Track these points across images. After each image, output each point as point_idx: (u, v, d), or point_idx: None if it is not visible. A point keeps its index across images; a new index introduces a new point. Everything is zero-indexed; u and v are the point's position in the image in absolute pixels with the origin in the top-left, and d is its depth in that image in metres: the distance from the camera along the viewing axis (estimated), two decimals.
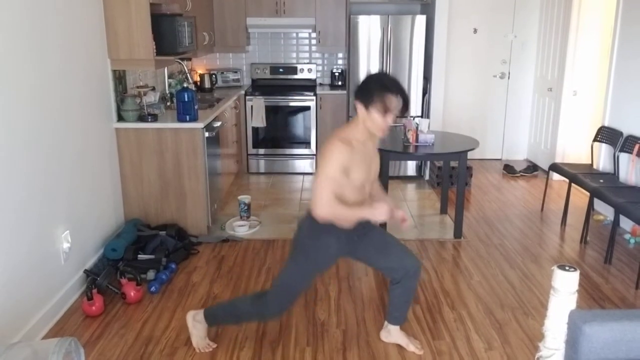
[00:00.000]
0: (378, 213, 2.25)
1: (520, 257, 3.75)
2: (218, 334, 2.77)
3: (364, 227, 2.48)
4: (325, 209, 2.21)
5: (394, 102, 2.21)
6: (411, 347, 2.64)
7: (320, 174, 2.21)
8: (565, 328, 1.68)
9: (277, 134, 5.75)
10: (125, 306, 3.05)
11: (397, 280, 2.55)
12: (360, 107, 2.24)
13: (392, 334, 2.69)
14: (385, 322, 2.72)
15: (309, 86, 5.90)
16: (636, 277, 3.40)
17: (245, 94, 5.61)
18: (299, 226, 2.47)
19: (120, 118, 3.80)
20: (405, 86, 5.40)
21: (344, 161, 2.19)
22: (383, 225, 4.06)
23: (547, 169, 5.07)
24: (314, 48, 6.10)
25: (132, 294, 3.06)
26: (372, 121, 2.23)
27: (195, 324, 2.62)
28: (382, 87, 2.20)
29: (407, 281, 2.54)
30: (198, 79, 5.67)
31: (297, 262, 2.45)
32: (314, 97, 5.61)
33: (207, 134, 3.91)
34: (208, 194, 4.00)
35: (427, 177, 5.68)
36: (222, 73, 5.93)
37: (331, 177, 2.19)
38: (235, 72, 5.97)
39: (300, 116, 5.69)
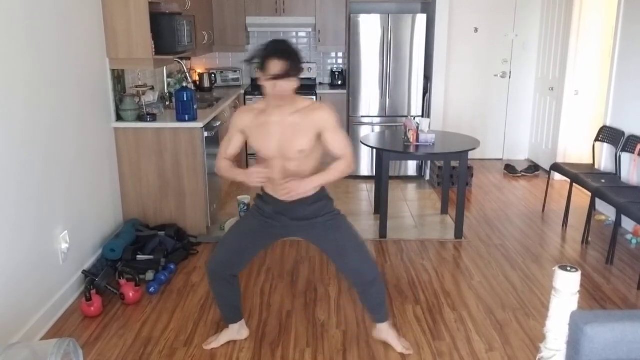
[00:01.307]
0: (250, 175, 2.26)
1: (521, 257, 3.74)
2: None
3: (321, 214, 2.39)
4: (216, 166, 2.45)
5: (272, 65, 2.13)
6: (399, 347, 2.63)
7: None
8: (567, 329, 1.67)
9: None
10: (124, 307, 3.04)
11: (354, 284, 2.54)
12: (258, 75, 2.22)
13: (381, 330, 2.67)
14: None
15: (308, 85, 5.88)
16: (638, 278, 3.39)
17: (245, 94, 5.60)
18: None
19: (119, 118, 3.78)
20: (406, 86, 5.45)
21: (238, 125, 2.36)
22: (383, 225, 4.04)
23: (548, 169, 5.05)
24: (314, 47, 6.09)
25: (130, 294, 3.05)
26: (266, 87, 2.19)
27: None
28: (266, 52, 2.16)
29: (367, 289, 2.50)
30: (197, 78, 5.66)
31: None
32: (314, 97, 5.60)
33: (206, 134, 3.90)
34: (207, 194, 3.99)
35: (427, 177, 5.67)
36: (222, 72, 5.92)
37: (226, 138, 2.41)
38: (235, 71, 5.96)
39: None
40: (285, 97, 2.22)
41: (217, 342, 2.66)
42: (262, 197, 2.46)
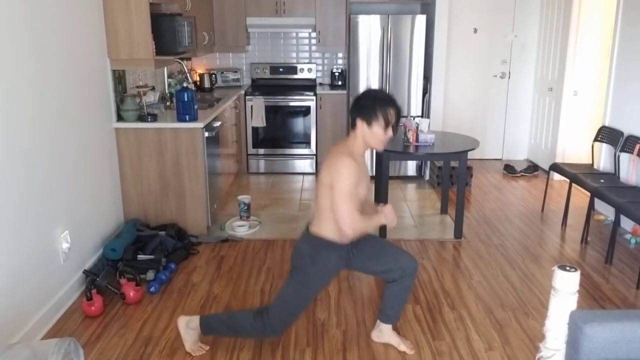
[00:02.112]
0: (389, 215, 2.41)
1: (520, 257, 3.75)
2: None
3: (359, 239, 2.50)
4: (352, 225, 2.28)
5: (393, 115, 2.31)
6: (402, 346, 2.64)
7: (338, 192, 2.25)
8: (566, 328, 1.68)
9: (277, 134, 5.75)
10: (125, 306, 3.05)
11: (397, 278, 2.55)
12: (361, 124, 2.32)
13: (384, 333, 2.69)
14: (378, 322, 2.71)
15: (309, 86, 5.89)
16: (637, 277, 3.40)
17: (245, 94, 5.60)
18: (298, 246, 2.50)
19: (120, 118, 3.79)
20: (405, 86, 5.45)
21: (354, 176, 2.27)
22: (383, 226, 4.06)
23: (547, 169, 5.06)
24: (313, 48, 6.10)
25: (131, 294, 3.06)
26: (373, 136, 2.32)
27: (188, 331, 2.59)
28: (382, 102, 2.30)
29: (404, 280, 2.55)
30: (198, 78, 5.67)
31: (299, 281, 2.46)
32: (314, 97, 5.61)
33: (206, 134, 3.91)
34: (208, 194, 4.00)
35: (427, 177, 5.68)
36: (222, 73, 5.93)
37: (348, 192, 2.25)
38: (235, 71, 5.97)
39: (300, 116, 5.69)
40: None
41: (201, 344, 2.64)
42: (331, 248, 2.41)
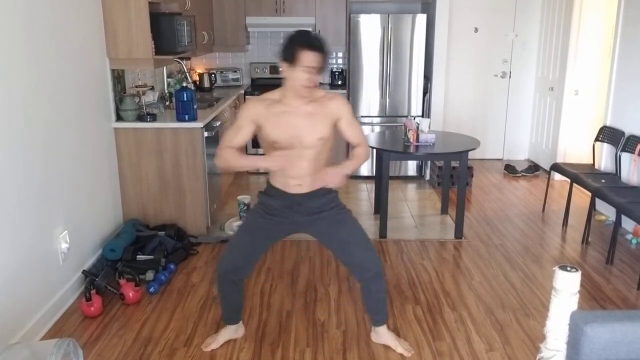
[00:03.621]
0: (270, 161, 2.28)
1: (521, 257, 3.74)
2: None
3: (327, 208, 2.42)
4: (218, 155, 2.31)
5: (310, 57, 2.16)
6: (399, 349, 2.62)
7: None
8: (567, 329, 1.67)
9: None
10: (124, 307, 3.04)
11: (359, 281, 2.54)
12: (283, 67, 2.22)
13: (380, 334, 2.68)
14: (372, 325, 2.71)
15: None
16: (638, 278, 3.39)
17: (245, 94, 5.59)
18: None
19: (119, 118, 3.78)
20: (406, 86, 5.44)
21: (251, 116, 2.29)
22: (383, 225, 4.04)
23: (548, 169, 5.05)
24: None
25: (130, 294, 3.05)
26: (294, 79, 2.20)
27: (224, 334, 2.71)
28: (299, 43, 2.16)
29: (369, 284, 2.51)
30: (197, 78, 5.66)
31: (242, 222, 2.55)
32: None
33: (206, 134, 3.90)
34: (207, 194, 3.99)
35: (427, 177, 5.67)
36: (222, 72, 5.92)
37: (233, 127, 2.32)
38: (235, 71, 5.96)
39: None
40: (312, 88, 2.26)
41: (216, 342, 2.66)
42: (268, 193, 2.44)
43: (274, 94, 2.34)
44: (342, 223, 2.46)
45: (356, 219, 2.53)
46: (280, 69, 2.26)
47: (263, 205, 2.46)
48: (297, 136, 2.28)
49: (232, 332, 2.70)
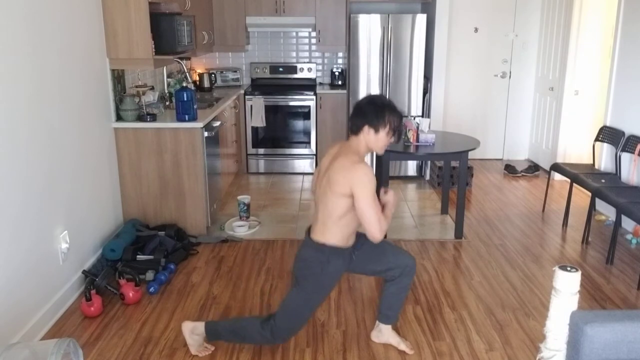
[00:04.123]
0: (393, 200, 2.47)
1: (521, 257, 3.74)
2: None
3: (359, 240, 2.52)
4: (382, 227, 2.30)
5: (398, 123, 2.39)
6: (402, 346, 2.63)
7: (365, 199, 2.25)
8: (567, 329, 1.67)
9: (277, 134, 5.74)
10: (124, 307, 3.04)
11: (397, 275, 2.56)
12: (368, 130, 2.35)
13: (383, 333, 2.69)
14: (377, 322, 2.71)
15: (308, 85, 5.88)
16: (638, 278, 3.39)
17: (245, 94, 5.59)
18: (304, 256, 2.46)
19: (119, 118, 3.78)
20: (406, 86, 5.45)
21: (374, 181, 2.30)
22: None
23: (548, 169, 5.05)
24: (313, 47, 6.09)
25: (130, 294, 3.05)
26: (378, 141, 2.37)
27: (193, 336, 2.58)
28: (390, 110, 2.35)
29: (402, 279, 2.56)
30: (197, 78, 5.66)
31: (309, 290, 2.46)
32: (314, 97, 5.60)
33: (206, 134, 3.90)
34: (207, 194, 3.99)
35: (427, 177, 5.67)
36: (222, 72, 5.92)
37: (373, 197, 2.28)
38: (235, 71, 5.96)
39: (300, 116, 5.68)
40: None
41: (203, 348, 2.62)
42: (334, 255, 2.41)
43: (361, 154, 2.40)
44: (366, 239, 2.48)
45: None
46: (364, 131, 2.36)
47: (333, 271, 2.44)
48: None
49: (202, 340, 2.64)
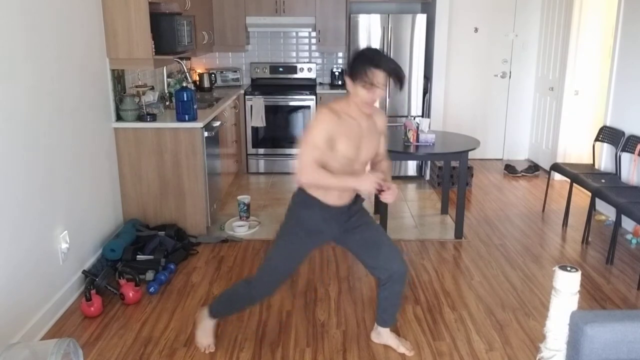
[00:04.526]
0: (364, 182, 2.20)
1: (521, 257, 3.74)
2: (217, 335, 2.76)
3: (355, 214, 2.43)
4: (307, 174, 2.17)
5: (379, 76, 2.14)
6: (401, 348, 2.62)
7: (303, 141, 2.19)
8: (567, 329, 1.67)
9: (277, 134, 5.74)
10: (124, 307, 3.04)
11: (382, 281, 2.52)
12: (348, 82, 2.21)
13: (382, 335, 2.68)
14: (375, 324, 2.71)
15: (308, 85, 5.88)
16: (638, 278, 3.39)
17: (245, 94, 5.59)
18: (289, 204, 2.44)
19: (119, 118, 3.78)
20: (406, 85, 5.44)
21: (328, 130, 2.17)
22: (383, 225, 4.05)
23: (548, 169, 5.05)
24: (313, 47, 6.09)
25: (130, 294, 3.05)
26: (357, 95, 2.18)
27: (204, 324, 2.63)
28: (369, 61, 2.14)
29: (392, 285, 2.50)
30: (197, 78, 5.66)
31: (281, 239, 2.43)
32: (314, 97, 5.60)
33: (206, 134, 3.90)
34: (207, 194, 3.99)
35: (427, 177, 5.67)
36: (222, 72, 5.92)
37: (313, 143, 2.16)
38: (235, 71, 5.96)
39: (300, 116, 5.68)
40: (372, 105, 2.26)
41: (212, 341, 2.64)
42: (306, 205, 2.35)
43: (341, 105, 2.25)
44: (369, 224, 2.47)
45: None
46: (347, 84, 2.22)
47: (300, 222, 2.37)
48: (359, 152, 2.28)
49: (214, 322, 2.65)
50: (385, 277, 2.48)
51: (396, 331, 2.78)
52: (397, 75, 2.16)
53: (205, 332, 2.63)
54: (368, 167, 2.46)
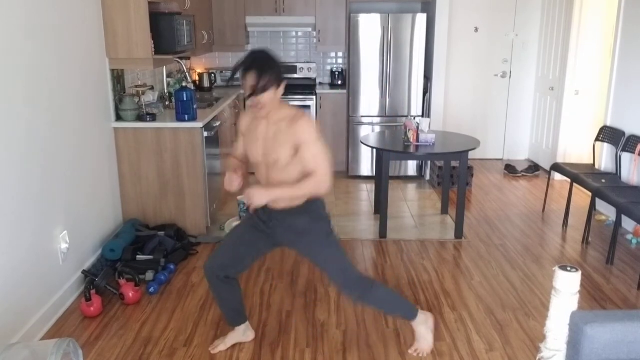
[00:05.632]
0: (226, 181, 2.34)
1: (521, 257, 3.73)
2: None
3: (283, 227, 2.37)
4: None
5: (248, 79, 2.12)
6: (412, 349, 2.63)
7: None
8: (567, 329, 1.67)
9: None
10: (124, 307, 3.04)
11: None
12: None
13: (416, 324, 2.61)
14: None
15: (308, 85, 5.88)
16: (638, 278, 3.38)
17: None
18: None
19: (119, 117, 3.78)
20: (406, 85, 5.44)
21: (240, 126, 2.42)
22: (383, 225, 4.04)
23: (548, 169, 5.05)
24: (313, 47, 6.09)
25: (130, 294, 3.05)
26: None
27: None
28: (239, 65, 2.15)
29: (359, 300, 2.46)
30: (197, 78, 5.66)
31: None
32: (314, 97, 5.59)
33: (206, 134, 3.90)
34: (207, 194, 3.99)
35: (427, 177, 5.67)
36: (221, 72, 5.92)
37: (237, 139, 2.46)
38: None
39: None
40: (265, 108, 2.18)
41: (224, 344, 2.65)
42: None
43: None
44: (316, 252, 2.39)
45: (335, 241, 2.40)
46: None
47: (255, 210, 2.43)
48: (262, 154, 2.26)
49: (240, 334, 2.67)
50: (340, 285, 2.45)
51: (396, 331, 2.78)
52: (261, 75, 2.09)
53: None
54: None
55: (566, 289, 1.63)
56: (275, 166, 2.24)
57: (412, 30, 5.31)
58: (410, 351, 2.62)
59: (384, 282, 3.36)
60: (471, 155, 4.20)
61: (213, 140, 4.18)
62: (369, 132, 5.17)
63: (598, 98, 5.34)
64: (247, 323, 2.69)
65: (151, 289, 3.17)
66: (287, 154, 2.19)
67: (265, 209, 2.36)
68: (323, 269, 2.44)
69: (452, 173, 5.11)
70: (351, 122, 5.58)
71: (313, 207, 2.33)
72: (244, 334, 2.68)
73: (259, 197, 2.17)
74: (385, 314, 2.68)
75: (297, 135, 2.17)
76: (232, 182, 2.32)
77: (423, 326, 2.58)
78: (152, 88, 4.22)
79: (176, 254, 3.60)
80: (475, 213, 4.62)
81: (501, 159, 6.46)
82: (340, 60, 6.14)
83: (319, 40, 5.69)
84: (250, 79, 2.11)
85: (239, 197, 4.35)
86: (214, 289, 2.54)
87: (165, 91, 4.84)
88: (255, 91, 2.11)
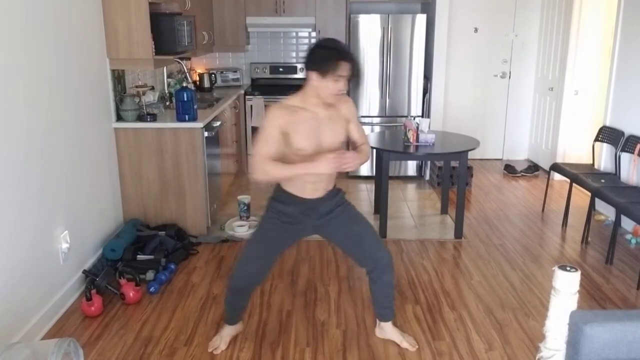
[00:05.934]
0: (321, 164, 2.21)
1: (521, 257, 3.74)
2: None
3: (338, 206, 2.46)
4: (259, 170, 2.23)
5: (345, 68, 2.20)
6: (404, 343, 2.64)
7: (258, 137, 2.25)
8: (566, 329, 1.67)
9: None
10: (125, 307, 3.04)
11: (369, 273, 2.55)
12: (312, 75, 2.23)
13: (385, 330, 2.70)
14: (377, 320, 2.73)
15: None
16: (637, 278, 3.39)
17: (245, 94, 5.60)
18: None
19: (119, 118, 3.79)
20: (406, 86, 5.45)
21: (280, 126, 2.23)
22: (383, 225, 4.05)
23: (548, 169, 5.06)
24: None
25: (131, 294, 3.05)
26: (325, 88, 2.22)
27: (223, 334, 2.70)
28: (335, 54, 2.19)
29: (380, 276, 2.52)
30: (197, 78, 5.66)
31: (259, 228, 2.48)
32: None
33: (206, 134, 3.90)
34: (207, 194, 3.99)
35: (427, 177, 5.67)
36: (222, 72, 5.92)
37: (264, 140, 2.23)
38: (235, 71, 5.96)
39: None
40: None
41: (224, 343, 2.66)
42: (282, 200, 2.40)
43: (295, 100, 2.31)
44: (352, 217, 2.50)
45: (361, 213, 2.57)
46: (309, 77, 2.25)
47: (277, 213, 2.42)
48: (320, 142, 2.30)
49: (233, 329, 2.72)
50: (370, 268, 2.52)
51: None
52: (358, 67, 2.28)
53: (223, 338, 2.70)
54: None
55: (565, 289, 1.64)
56: (336, 149, 2.31)
57: (411, 30, 5.31)
58: (411, 348, 2.62)
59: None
60: (471, 155, 4.20)
61: (213, 141, 4.19)
62: (369, 132, 5.18)
63: (597, 98, 5.34)
64: None
65: (152, 289, 3.18)
66: (346, 133, 2.41)
67: (297, 203, 2.38)
68: (359, 234, 2.48)
69: (452, 173, 5.12)
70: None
71: (337, 186, 2.51)
72: (236, 327, 2.74)
73: (352, 160, 2.26)
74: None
75: (348, 114, 2.41)
76: (343, 156, 2.22)
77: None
78: (152, 88, 4.23)
79: (177, 253, 3.61)
80: (474, 213, 4.62)
81: (501, 159, 6.46)
82: None
83: None
84: (348, 67, 2.21)
85: (239, 197, 4.35)
86: (234, 299, 2.59)
87: (166, 91, 4.84)
88: (350, 77, 2.23)
